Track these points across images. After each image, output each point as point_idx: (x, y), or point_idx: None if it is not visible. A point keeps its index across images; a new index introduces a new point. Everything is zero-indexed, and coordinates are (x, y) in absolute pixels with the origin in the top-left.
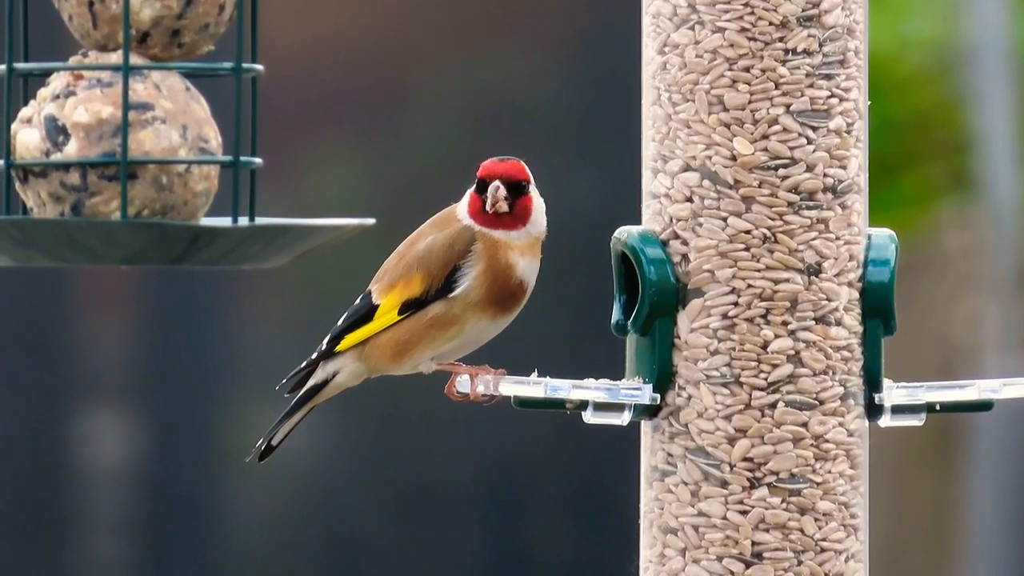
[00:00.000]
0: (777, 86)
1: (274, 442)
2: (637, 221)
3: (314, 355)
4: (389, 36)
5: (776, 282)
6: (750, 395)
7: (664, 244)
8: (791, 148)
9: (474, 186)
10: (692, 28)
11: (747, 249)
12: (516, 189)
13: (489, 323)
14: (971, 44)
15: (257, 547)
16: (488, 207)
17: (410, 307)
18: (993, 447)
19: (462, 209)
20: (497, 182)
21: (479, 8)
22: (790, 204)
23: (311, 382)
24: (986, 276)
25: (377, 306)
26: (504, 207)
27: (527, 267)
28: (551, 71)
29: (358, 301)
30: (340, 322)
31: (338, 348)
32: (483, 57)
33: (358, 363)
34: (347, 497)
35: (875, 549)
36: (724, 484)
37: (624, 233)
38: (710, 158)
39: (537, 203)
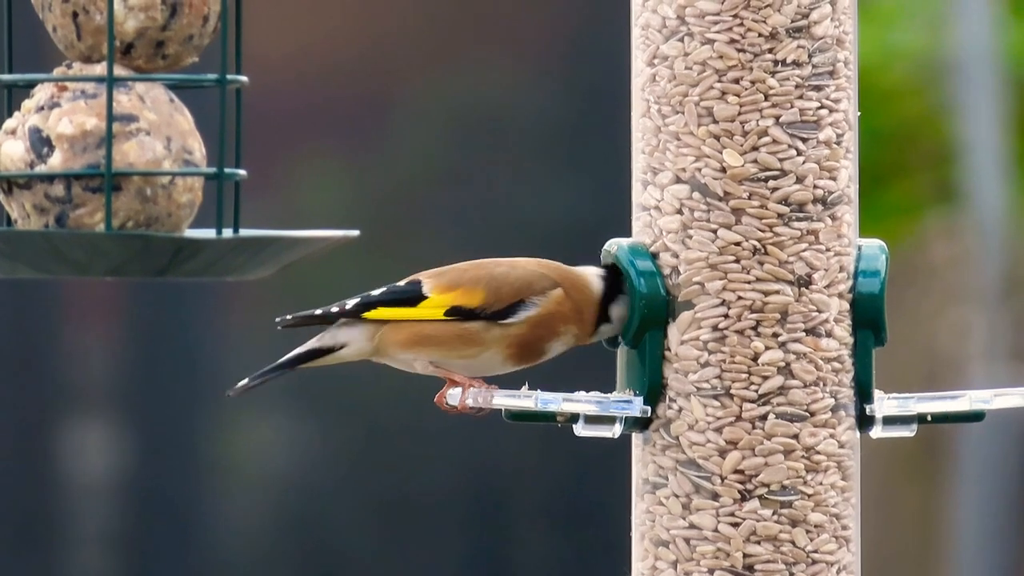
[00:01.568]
0: (767, 98)
1: (252, 384)
2: (625, 233)
3: (334, 308)
4: (374, 47)
5: (766, 294)
6: (741, 407)
7: (654, 256)
8: (781, 160)
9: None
10: (681, 40)
11: (737, 261)
12: None
13: (501, 362)
14: (957, 55)
15: (242, 558)
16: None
17: (455, 314)
18: (978, 458)
19: (596, 286)
20: None
21: (465, 19)
22: (780, 216)
23: (316, 343)
24: (972, 287)
25: (425, 297)
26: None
27: (561, 347)
28: (537, 82)
29: (403, 283)
30: (376, 292)
31: (366, 315)
32: (469, 68)
33: (369, 343)
34: (332, 508)
35: (862, 560)
36: (715, 496)
37: (614, 245)
38: (700, 170)
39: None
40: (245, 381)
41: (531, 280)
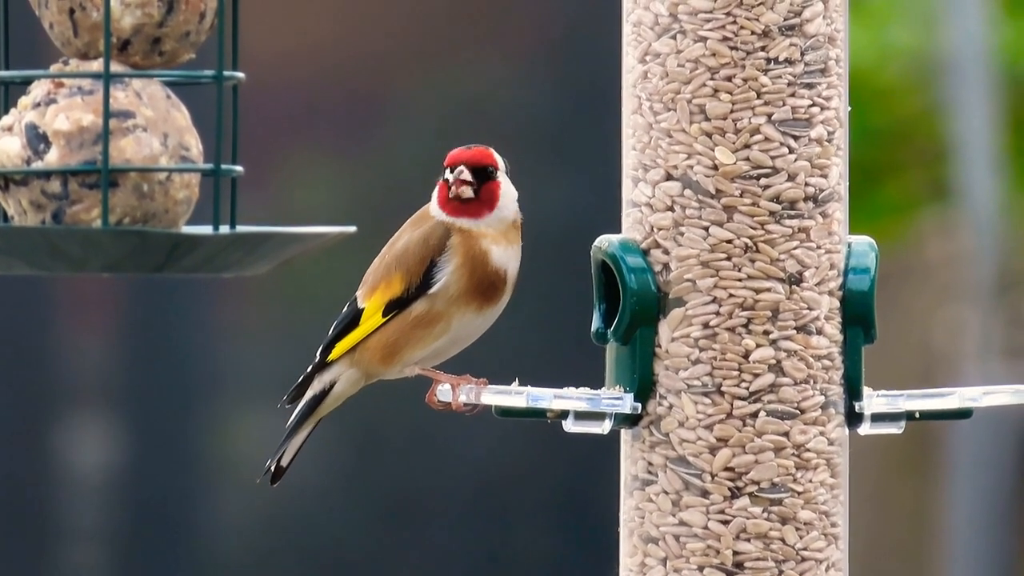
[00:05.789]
0: (759, 95)
1: (283, 463)
2: (616, 230)
3: (309, 368)
4: (368, 45)
5: (757, 291)
6: (731, 404)
7: (645, 253)
8: (773, 157)
9: (442, 176)
10: (674, 37)
11: (729, 258)
12: (482, 174)
13: (476, 316)
14: (950, 53)
15: (235, 557)
16: (452, 193)
17: (393, 307)
18: (971, 453)
19: (433, 202)
20: (461, 166)
21: (457, 17)
22: (772, 213)
23: (308, 394)
24: (966, 284)
25: (362, 310)
26: (468, 192)
27: (503, 254)
28: (528, 80)
29: (345, 309)
30: (330, 332)
31: (330, 358)
32: (462, 65)
33: (352, 369)
34: (326, 507)
35: (855, 555)
36: (705, 494)
37: (605, 242)
38: (692, 167)
39: (506, 188)
40: (269, 463)
41: (424, 237)
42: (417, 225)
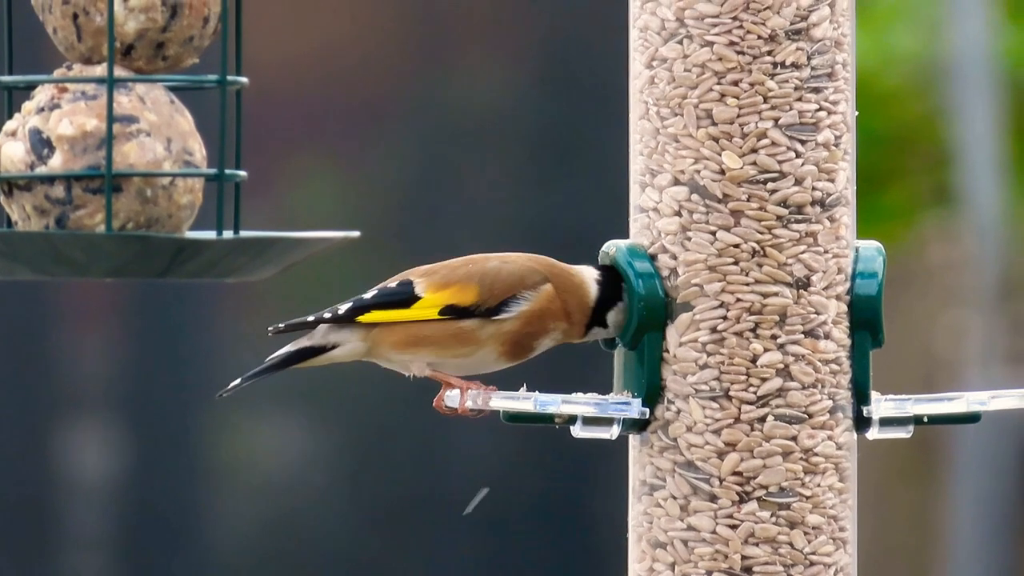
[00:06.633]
0: (766, 100)
1: (242, 384)
2: (623, 235)
3: (326, 313)
4: (373, 51)
5: (765, 296)
6: (739, 409)
7: (653, 258)
8: (780, 162)
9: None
10: (680, 42)
11: (736, 263)
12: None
13: (494, 360)
14: (953, 58)
15: (238, 561)
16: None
17: (450, 313)
18: (973, 459)
19: (592, 288)
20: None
21: (459, 23)
22: (779, 218)
23: (307, 342)
24: (968, 289)
25: (419, 297)
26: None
27: (550, 341)
28: (534, 84)
29: (395, 284)
30: (368, 295)
31: (360, 319)
32: (466, 71)
33: (363, 343)
34: (329, 511)
35: (858, 560)
36: (713, 498)
37: (612, 247)
38: (699, 172)
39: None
40: (236, 382)
41: (523, 275)
42: (531, 264)
